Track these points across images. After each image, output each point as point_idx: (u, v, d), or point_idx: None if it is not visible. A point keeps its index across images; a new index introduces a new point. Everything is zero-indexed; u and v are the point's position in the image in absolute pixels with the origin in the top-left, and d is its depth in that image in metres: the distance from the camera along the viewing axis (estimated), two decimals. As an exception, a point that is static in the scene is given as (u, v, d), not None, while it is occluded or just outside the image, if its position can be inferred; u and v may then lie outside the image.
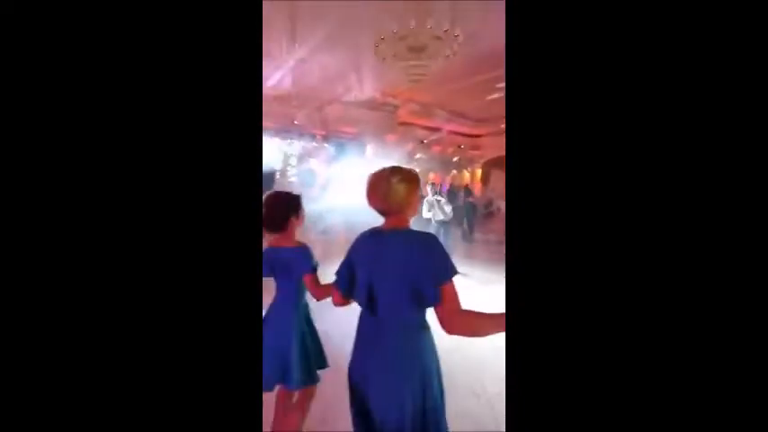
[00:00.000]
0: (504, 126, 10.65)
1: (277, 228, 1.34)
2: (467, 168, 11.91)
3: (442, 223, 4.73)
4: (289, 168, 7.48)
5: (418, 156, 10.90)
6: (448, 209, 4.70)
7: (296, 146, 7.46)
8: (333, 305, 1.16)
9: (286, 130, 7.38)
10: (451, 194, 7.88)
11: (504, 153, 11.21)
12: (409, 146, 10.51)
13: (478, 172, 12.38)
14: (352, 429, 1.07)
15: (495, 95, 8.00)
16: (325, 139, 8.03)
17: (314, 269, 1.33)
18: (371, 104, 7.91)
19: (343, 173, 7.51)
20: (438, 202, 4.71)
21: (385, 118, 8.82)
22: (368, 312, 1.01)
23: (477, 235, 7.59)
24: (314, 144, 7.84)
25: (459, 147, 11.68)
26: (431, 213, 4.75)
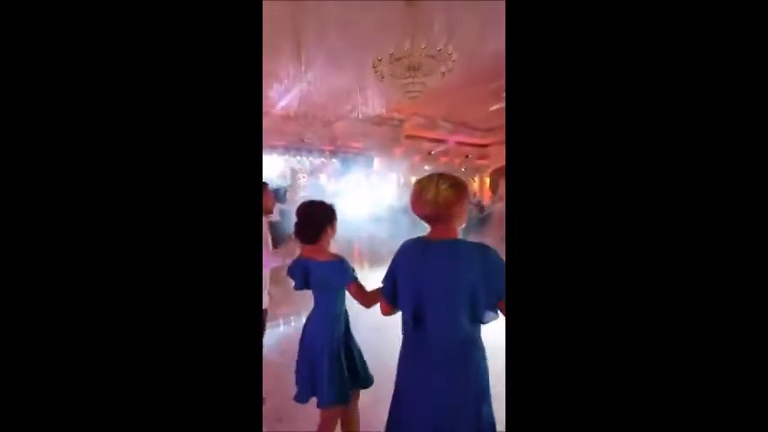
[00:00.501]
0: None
1: (311, 239, 1.29)
2: (473, 177, 11.97)
3: None
4: (299, 184, 7.74)
5: (426, 167, 11.07)
6: None
7: (305, 162, 7.73)
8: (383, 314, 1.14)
9: (296, 148, 7.67)
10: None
11: (511, 161, 11.21)
12: (416, 158, 10.70)
13: (486, 180, 12.42)
14: None
15: (500, 105, 8.14)
16: (333, 154, 8.29)
17: (355, 279, 1.27)
18: (377, 120, 8.16)
19: (351, 186, 7.72)
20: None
21: (391, 132, 9.05)
22: (412, 326, 0.96)
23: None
24: (322, 160, 8.10)
25: (467, 157, 11.79)
26: None
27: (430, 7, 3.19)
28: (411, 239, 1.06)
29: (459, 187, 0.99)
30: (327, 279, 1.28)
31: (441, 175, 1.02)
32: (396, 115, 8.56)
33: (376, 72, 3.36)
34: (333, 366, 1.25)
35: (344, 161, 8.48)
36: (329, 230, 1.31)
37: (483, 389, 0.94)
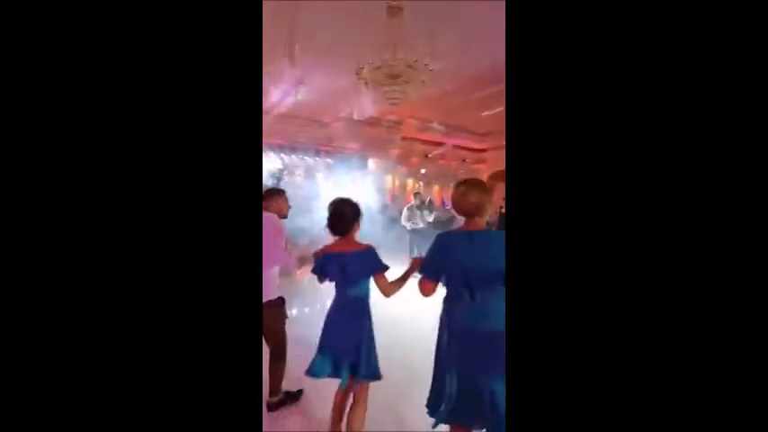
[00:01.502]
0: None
1: (344, 232, 1.50)
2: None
3: (416, 231, 4.91)
4: (293, 182, 7.88)
5: (423, 170, 11.15)
6: (429, 218, 4.90)
7: (299, 162, 7.86)
8: (423, 296, 1.35)
9: (292, 147, 7.80)
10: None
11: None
12: (413, 160, 10.80)
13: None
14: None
15: (497, 110, 8.22)
16: (329, 154, 8.41)
17: (386, 267, 1.46)
18: (373, 121, 8.27)
19: (344, 186, 7.84)
20: (420, 211, 4.93)
21: (388, 133, 9.15)
22: (469, 299, 1.22)
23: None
24: (316, 159, 8.23)
25: (464, 161, 11.86)
26: (410, 222, 4.95)
27: (412, 18, 3.30)
28: (447, 232, 1.35)
29: (480, 191, 1.30)
30: (361, 266, 1.45)
31: (467, 180, 1.35)
32: (391, 117, 8.67)
33: (359, 78, 3.48)
34: (370, 345, 1.44)
35: (341, 161, 8.60)
36: (357, 225, 1.51)
37: None
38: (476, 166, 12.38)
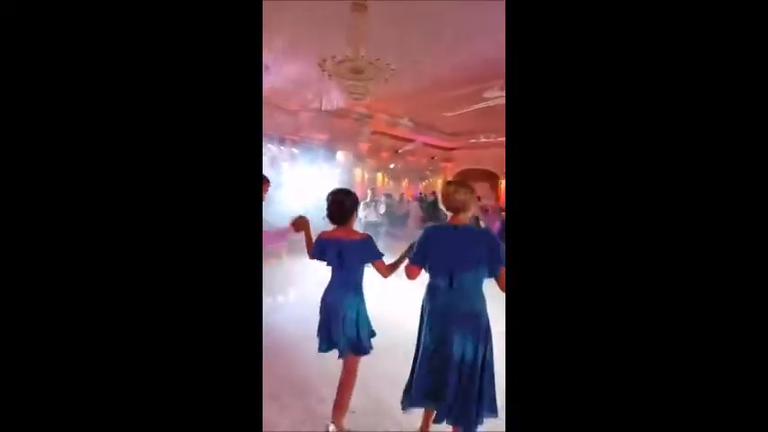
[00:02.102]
0: (474, 141, 11.08)
1: (343, 220, 1.59)
2: (434, 178, 12.28)
3: (373, 224, 5.01)
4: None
5: (392, 165, 11.23)
6: (381, 209, 5.00)
7: (267, 150, 7.66)
8: (408, 278, 1.51)
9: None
10: (422, 201, 8.31)
11: (474, 166, 11.66)
12: (383, 155, 10.84)
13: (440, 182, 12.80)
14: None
15: (464, 110, 8.41)
16: (295, 144, 8.25)
17: (382, 255, 1.60)
18: (342, 113, 8.19)
19: (311, 177, 7.74)
20: (375, 204, 5.02)
21: (357, 126, 9.11)
22: (446, 284, 1.37)
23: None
24: (281, 149, 8.05)
25: (432, 158, 12.07)
26: (364, 213, 5.04)
27: (376, 15, 3.30)
28: (435, 225, 1.54)
29: (464, 191, 1.47)
30: (359, 254, 1.57)
31: (464, 182, 1.54)
32: (362, 110, 8.63)
33: (323, 71, 3.44)
34: (366, 325, 1.59)
35: (308, 151, 8.46)
36: (355, 214, 1.62)
37: (489, 325, 1.41)
38: (443, 164, 12.65)
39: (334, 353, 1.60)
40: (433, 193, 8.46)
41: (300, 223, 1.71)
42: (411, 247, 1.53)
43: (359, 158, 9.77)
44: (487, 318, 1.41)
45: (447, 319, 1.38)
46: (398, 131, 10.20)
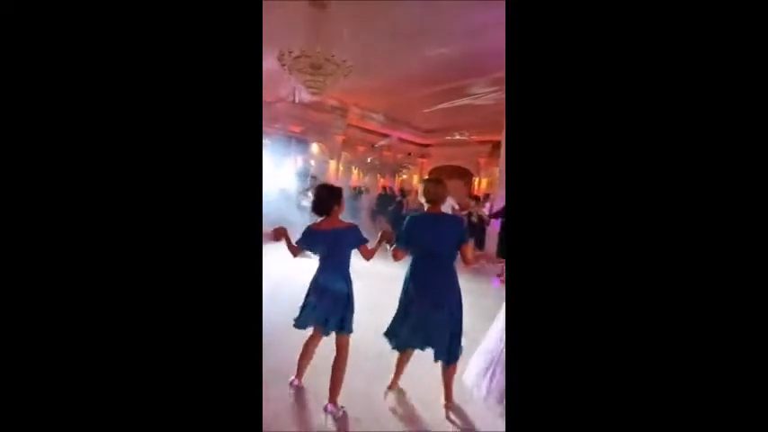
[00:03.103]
0: (449, 138, 11.33)
1: (326, 212, 1.77)
2: (406, 173, 12.50)
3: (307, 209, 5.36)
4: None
5: (369, 159, 11.38)
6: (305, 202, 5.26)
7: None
8: (394, 260, 1.81)
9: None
10: (384, 197, 8.51)
11: (448, 162, 11.91)
12: (359, 149, 10.97)
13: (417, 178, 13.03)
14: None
15: (439, 107, 8.61)
16: (267, 135, 8.29)
17: (367, 240, 1.80)
18: (319, 106, 8.27)
19: (284, 169, 7.81)
20: (307, 193, 5.31)
21: (334, 119, 9.19)
22: (429, 260, 1.77)
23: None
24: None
25: (409, 154, 12.28)
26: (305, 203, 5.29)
27: (336, 13, 3.42)
28: (416, 214, 1.88)
29: (437, 184, 1.87)
30: (348, 241, 1.77)
31: (440, 179, 1.93)
32: (336, 104, 8.72)
33: (282, 65, 3.56)
34: (352, 305, 1.79)
35: (282, 143, 8.51)
36: (337, 206, 1.80)
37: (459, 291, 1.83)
38: (419, 160, 12.88)
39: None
40: (401, 191, 8.67)
41: (280, 233, 1.86)
42: (384, 233, 1.82)
43: (334, 151, 9.88)
44: (457, 280, 1.82)
45: (429, 282, 1.77)
46: (373, 126, 10.34)
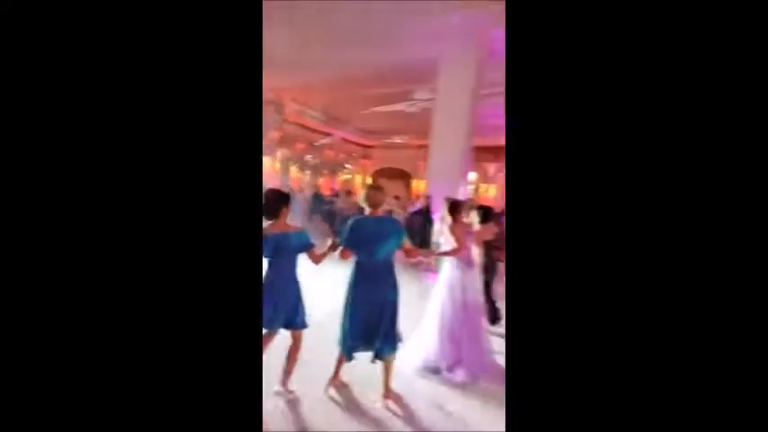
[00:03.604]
0: (389, 141, 11.41)
1: (274, 216, 1.80)
2: (348, 173, 12.36)
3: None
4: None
5: (308, 157, 10.96)
6: None
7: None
8: (342, 259, 1.87)
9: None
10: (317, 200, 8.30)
11: (389, 165, 12.02)
12: (298, 146, 10.50)
13: (368, 180, 12.98)
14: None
15: (379, 109, 8.57)
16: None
17: (314, 245, 1.88)
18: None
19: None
20: None
21: (268, 113, 8.66)
22: (371, 259, 1.85)
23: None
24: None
25: (351, 155, 12.11)
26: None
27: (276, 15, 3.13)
28: (360, 216, 1.94)
29: (385, 192, 2.03)
30: (294, 243, 1.83)
31: (379, 186, 2.07)
32: (273, 97, 8.23)
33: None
34: (302, 305, 1.89)
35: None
36: (285, 209, 1.83)
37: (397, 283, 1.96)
38: (362, 161, 12.78)
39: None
40: (336, 194, 8.52)
41: None
42: (331, 245, 1.90)
43: (269, 147, 9.31)
44: (396, 276, 1.94)
45: (371, 280, 1.86)
46: (313, 123, 9.99)
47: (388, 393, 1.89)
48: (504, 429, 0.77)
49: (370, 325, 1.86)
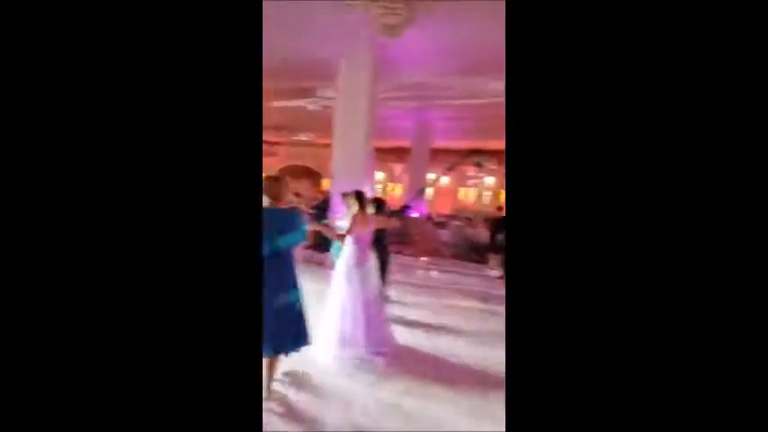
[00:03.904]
0: (296, 138, 11.12)
1: None
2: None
3: None
4: None
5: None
6: None
7: None
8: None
9: None
10: None
11: (298, 162, 11.70)
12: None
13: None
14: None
15: (283, 103, 8.25)
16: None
17: None
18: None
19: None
20: None
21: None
22: (274, 257, 1.84)
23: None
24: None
25: (254, 150, 11.42)
26: None
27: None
28: (267, 208, 1.90)
29: (275, 181, 2.01)
30: None
31: (279, 177, 2.07)
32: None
33: None
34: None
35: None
36: None
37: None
38: (267, 158, 12.16)
39: None
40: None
41: None
42: None
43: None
44: (296, 273, 1.99)
45: (279, 275, 1.87)
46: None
47: (269, 394, 1.92)
48: (503, 429, 0.77)
49: (283, 324, 1.87)
